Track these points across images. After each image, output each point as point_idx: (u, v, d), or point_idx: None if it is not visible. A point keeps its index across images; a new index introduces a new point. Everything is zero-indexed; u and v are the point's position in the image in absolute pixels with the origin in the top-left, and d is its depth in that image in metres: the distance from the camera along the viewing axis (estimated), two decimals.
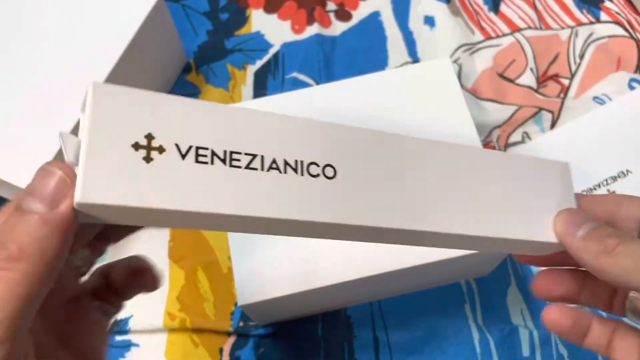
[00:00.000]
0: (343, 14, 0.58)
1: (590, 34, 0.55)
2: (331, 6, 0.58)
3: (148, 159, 0.20)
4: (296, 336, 0.43)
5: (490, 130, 0.50)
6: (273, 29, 0.57)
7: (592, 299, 0.29)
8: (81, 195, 0.18)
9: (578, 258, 0.25)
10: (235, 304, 0.45)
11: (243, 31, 0.57)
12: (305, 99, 0.43)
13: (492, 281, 0.44)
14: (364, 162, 0.24)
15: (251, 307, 0.37)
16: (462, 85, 0.52)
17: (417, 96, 0.42)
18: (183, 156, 0.21)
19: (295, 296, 0.37)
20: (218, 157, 0.21)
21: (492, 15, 0.57)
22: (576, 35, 0.55)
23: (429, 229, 0.25)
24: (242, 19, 0.57)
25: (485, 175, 0.27)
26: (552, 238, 0.26)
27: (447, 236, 0.25)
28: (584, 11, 0.56)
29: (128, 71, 0.45)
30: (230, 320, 0.44)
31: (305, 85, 0.53)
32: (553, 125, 0.51)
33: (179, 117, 0.21)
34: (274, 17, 0.57)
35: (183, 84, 0.54)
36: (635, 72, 0.53)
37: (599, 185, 0.45)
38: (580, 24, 0.56)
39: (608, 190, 0.45)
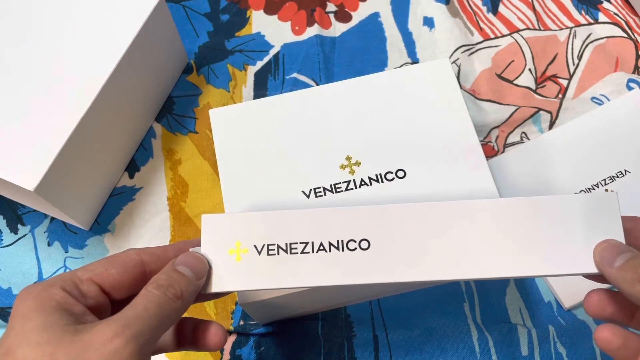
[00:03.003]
0: (343, 15, 0.58)
1: (589, 35, 0.55)
2: (331, 7, 0.58)
3: (238, 258, 0.31)
4: (296, 335, 0.43)
5: (489, 131, 0.51)
6: (273, 30, 0.57)
7: None
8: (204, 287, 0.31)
9: (616, 286, 0.28)
10: (236, 303, 0.45)
11: (243, 32, 0.57)
12: (305, 99, 0.43)
13: (491, 280, 0.44)
14: (392, 231, 0.31)
15: (251, 305, 0.37)
16: (461, 86, 0.52)
17: (417, 97, 0.43)
18: (259, 252, 0.31)
19: (295, 296, 0.37)
20: (282, 248, 0.31)
21: (490, 16, 0.57)
22: (574, 36, 0.55)
23: (450, 278, 0.30)
24: (243, 20, 0.58)
25: (520, 221, 0.31)
26: (593, 269, 0.30)
27: (471, 279, 0.32)
28: (582, 12, 0.56)
29: (129, 72, 0.45)
30: (231, 319, 0.44)
31: (305, 85, 0.54)
32: (551, 125, 0.51)
33: (255, 227, 0.32)
34: (274, 18, 0.58)
35: (184, 85, 0.54)
36: (634, 72, 0.53)
37: (597, 185, 0.46)
38: (578, 24, 0.56)
39: (606, 191, 0.46)
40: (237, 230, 0.32)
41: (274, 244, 0.31)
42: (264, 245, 0.31)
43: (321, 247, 0.31)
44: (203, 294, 0.31)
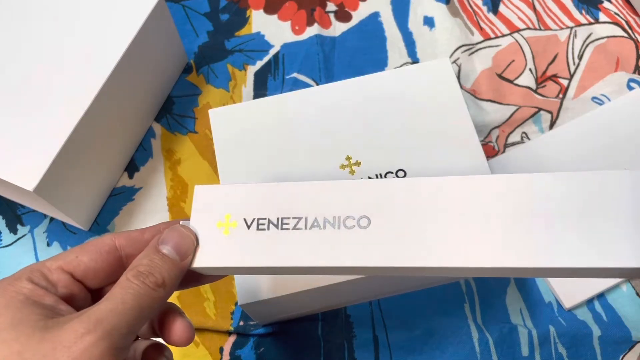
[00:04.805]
0: (343, 15, 0.58)
1: (589, 35, 0.55)
2: (331, 7, 0.58)
3: (227, 232, 0.28)
4: (296, 335, 0.43)
5: (489, 131, 0.51)
6: (273, 30, 0.57)
7: None
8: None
9: None
10: (236, 304, 0.45)
11: (243, 32, 0.57)
12: (305, 99, 0.43)
13: (491, 280, 0.44)
14: (397, 209, 0.27)
15: (251, 306, 0.37)
16: (461, 86, 0.52)
17: (417, 97, 0.42)
18: (248, 227, 0.28)
19: (295, 295, 0.37)
20: (272, 223, 0.28)
21: (491, 15, 0.57)
22: (575, 35, 0.55)
23: (469, 265, 0.26)
24: (243, 20, 0.57)
25: (550, 203, 0.26)
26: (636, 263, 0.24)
27: (492, 270, 0.26)
28: (583, 12, 0.56)
29: (129, 71, 0.45)
30: (231, 319, 0.44)
31: (305, 85, 0.54)
32: (552, 125, 0.51)
33: (248, 199, 0.29)
34: (274, 18, 0.57)
35: (183, 85, 0.54)
36: (634, 72, 0.53)
37: None
38: (579, 24, 0.56)
39: None
40: (230, 202, 0.29)
41: (265, 218, 0.28)
42: (254, 219, 0.28)
43: (315, 224, 0.28)
44: (196, 279, 0.30)
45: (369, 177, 0.39)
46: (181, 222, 0.29)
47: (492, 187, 0.27)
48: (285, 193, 0.29)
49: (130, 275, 0.26)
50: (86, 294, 0.28)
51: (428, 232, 0.26)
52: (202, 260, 0.28)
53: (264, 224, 0.28)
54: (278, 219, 0.28)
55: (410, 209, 0.27)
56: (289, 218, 0.28)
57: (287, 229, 0.28)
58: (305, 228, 0.28)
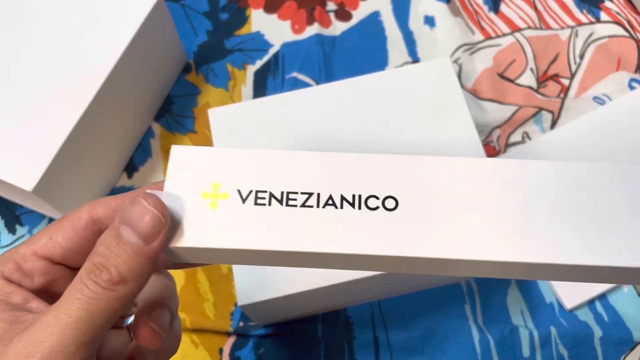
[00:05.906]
0: (343, 14, 0.57)
1: (591, 34, 0.55)
2: (331, 6, 0.58)
3: (214, 204, 0.23)
4: (296, 336, 0.43)
5: (490, 130, 0.50)
6: (273, 29, 0.57)
7: None
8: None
9: None
10: (235, 304, 0.45)
11: (243, 31, 0.57)
12: (305, 99, 0.43)
13: (493, 281, 0.44)
14: (428, 190, 0.23)
15: (251, 307, 0.37)
16: (462, 85, 0.52)
17: (417, 96, 0.42)
18: (243, 200, 0.23)
19: (295, 296, 0.37)
20: (275, 197, 0.23)
21: (492, 15, 0.57)
22: (576, 35, 0.55)
23: (514, 260, 0.22)
24: (242, 19, 0.57)
25: (590, 193, 0.23)
26: None
27: (527, 265, 0.23)
28: (584, 11, 0.56)
29: (128, 71, 0.45)
30: (230, 320, 0.44)
31: (305, 85, 0.53)
32: (553, 125, 0.51)
33: (241, 166, 0.24)
34: (273, 17, 0.57)
35: (183, 84, 0.54)
36: (636, 72, 0.53)
37: None
38: (580, 24, 0.55)
39: None
40: (218, 168, 0.24)
41: (265, 191, 0.23)
42: (251, 191, 0.23)
43: (330, 202, 0.23)
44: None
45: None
46: (147, 191, 0.23)
47: (542, 171, 0.23)
48: (291, 162, 0.24)
49: (84, 270, 0.21)
50: (72, 273, 0.24)
51: (466, 219, 0.23)
52: (181, 240, 0.22)
53: (264, 198, 0.23)
54: (282, 192, 0.23)
55: (446, 190, 0.23)
56: (296, 193, 0.23)
57: (294, 205, 0.23)
58: (318, 206, 0.23)
